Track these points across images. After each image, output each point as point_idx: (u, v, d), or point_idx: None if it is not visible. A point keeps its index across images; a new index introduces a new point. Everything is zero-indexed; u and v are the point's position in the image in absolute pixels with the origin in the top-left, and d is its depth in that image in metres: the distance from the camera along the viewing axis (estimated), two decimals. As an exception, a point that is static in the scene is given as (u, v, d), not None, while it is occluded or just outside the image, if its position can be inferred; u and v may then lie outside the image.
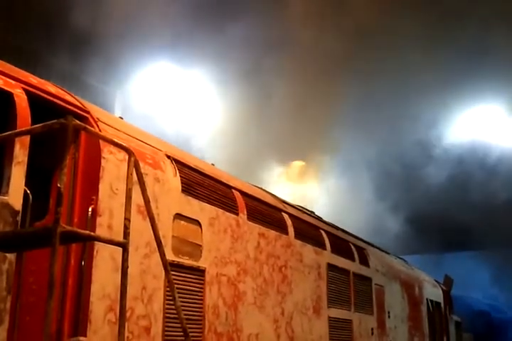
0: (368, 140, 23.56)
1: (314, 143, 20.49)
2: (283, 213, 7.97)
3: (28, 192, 4.04)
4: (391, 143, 23.86)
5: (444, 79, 21.27)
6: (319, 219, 10.29)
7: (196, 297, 5.62)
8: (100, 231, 4.42)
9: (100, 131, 4.72)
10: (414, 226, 25.42)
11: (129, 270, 3.84)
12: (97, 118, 4.91)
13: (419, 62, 20.55)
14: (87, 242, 4.28)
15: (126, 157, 4.05)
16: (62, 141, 3.49)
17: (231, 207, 6.51)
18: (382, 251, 13.09)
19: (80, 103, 4.88)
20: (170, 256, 5.03)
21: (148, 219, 4.15)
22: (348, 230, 11.26)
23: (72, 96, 4.90)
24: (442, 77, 21.16)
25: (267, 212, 7.44)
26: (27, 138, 4.00)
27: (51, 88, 4.66)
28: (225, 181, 6.65)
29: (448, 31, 20.30)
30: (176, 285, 4.35)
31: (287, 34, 19.51)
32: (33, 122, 3.99)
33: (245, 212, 6.77)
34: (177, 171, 5.66)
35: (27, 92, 4.23)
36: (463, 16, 19.71)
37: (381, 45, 20.76)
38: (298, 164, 20.30)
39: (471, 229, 26.76)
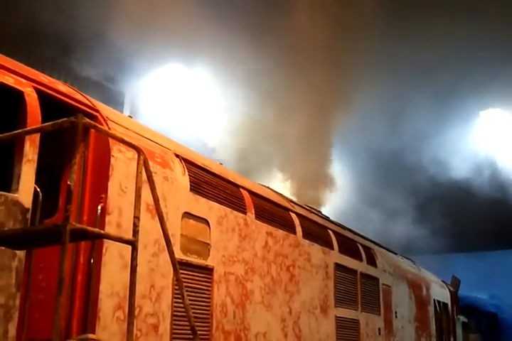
0: (372, 142, 23.61)
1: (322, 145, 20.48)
2: (291, 212, 7.98)
3: (38, 190, 4.06)
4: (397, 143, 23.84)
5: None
6: (327, 218, 10.29)
7: (204, 295, 5.64)
8: (109, 229, 4.44)
9: (110, 129, 4.74)
10: (423, 226, 25.37)
11: (137, 268, 3.86)
12: (107, 117, 4.93)
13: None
14: (96, 240, 4.30)
15: (136, 156, 4.07)
16: (72, 139, 3.51)
17: (239, 206, 6.52)
18: (390, 251, 13.08)
19: (90, 102, 4.90)
20: (178, 255, 5.05)
21: (156, 217, 4.17)
22: (355, 230, 11.27)
23: (82, 95, 4.92)
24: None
25: (274, 212, 7.45)
26: (37, 137, 4.03)
27: (61, 87, 4.68)
28: (233, 180, 6.67)
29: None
30: (184, 284, 4.36)
31: (297, 22, 19.46)
32: (43, 121, 4.01)
33: (253, 211, 6.78)
34: (186, 170, 5.68)
35: (37, 91, 4.25)
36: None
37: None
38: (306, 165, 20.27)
39: (480, 230, 26.72)
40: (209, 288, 5.72)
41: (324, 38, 18.49)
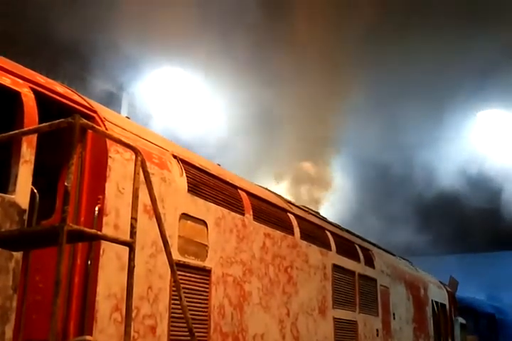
0: (374, 139, 23.57)
1: (322, 144, 20.51)
2: (288, 214, 7.97)
3: (35, 191, 4.04)
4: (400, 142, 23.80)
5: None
6: (324, 219, 10.28)
7: (202, 297, 5.63)
8: (107, 230, 4.42)
9: (107, 130, 4.72)
10: (421, 228, 25.40)
11: (135, 269, 3.85)
12: (104, 118, 4.92)
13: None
14: (93, 241, 4.28)
15: (133, 156, 4.05)
16: (69, 140, 3.50)
17: (237, 207, 6.51)
18: (388, 252, 13.07)
19: (87, 102, 4.89)
20: (176, 256, 5.03)
21: (154, 218, 4.16)
22: (353, 231, 11.26)
23: (79, 95, 4.91)
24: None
25: (272, 213, 7.43)
26: (34, 137, 4.01)
27: (59, 88, 4.66)
28: (231, 181, 6.66)
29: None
30: (181, 285, 4.35)
31: (295, 36, 19.52)
32: (40, 121, 3.99)
33: (251, 213, 6.77)
34: (183, 171, 5.67)
35: (34, 92, 4.24)
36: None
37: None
38: (306, 165, 20.31)
39: (477, 231, 26.76)
40: (207, 290, 5.71)
41: (321, 46, 18.59)
